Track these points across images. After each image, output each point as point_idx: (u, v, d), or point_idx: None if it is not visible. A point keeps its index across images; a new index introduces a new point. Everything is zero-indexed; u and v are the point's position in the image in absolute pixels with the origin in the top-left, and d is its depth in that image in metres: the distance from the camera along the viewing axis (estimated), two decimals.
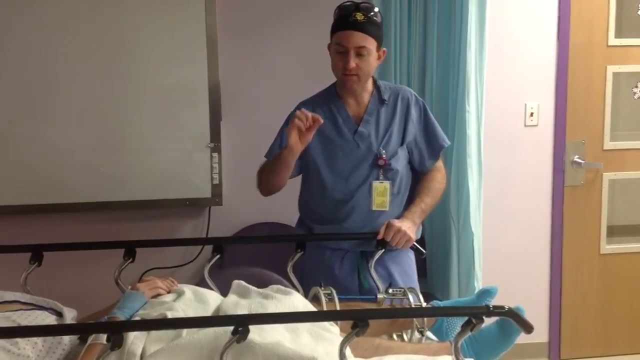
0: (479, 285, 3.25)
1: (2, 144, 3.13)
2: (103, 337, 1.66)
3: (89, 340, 1.71)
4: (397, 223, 2.35)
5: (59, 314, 1.97)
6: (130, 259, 2.29)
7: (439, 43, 3.34)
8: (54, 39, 3.12)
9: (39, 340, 1.75)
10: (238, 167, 3.29)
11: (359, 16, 2.27)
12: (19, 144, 3.14)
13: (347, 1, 2.35)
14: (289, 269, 2.34)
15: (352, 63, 2.30)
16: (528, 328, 1.74)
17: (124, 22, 3.17)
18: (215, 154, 3.29)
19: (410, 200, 2.50)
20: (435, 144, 2.51)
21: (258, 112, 3.35)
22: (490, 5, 3.28)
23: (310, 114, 2.22)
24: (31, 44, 3.11)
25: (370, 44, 2.30)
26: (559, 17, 3.57)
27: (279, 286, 2.10)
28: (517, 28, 3.56)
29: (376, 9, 2.34)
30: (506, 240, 3.63)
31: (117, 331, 1.60)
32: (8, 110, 3.12)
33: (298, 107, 2.49)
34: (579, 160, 3.65)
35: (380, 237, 2.35)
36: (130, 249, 2.30)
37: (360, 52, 2.30)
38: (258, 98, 3.39)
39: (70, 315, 1.97)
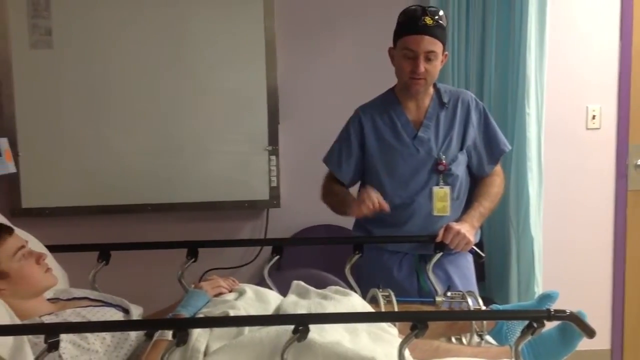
0: (539, 290, 3.20)
1: (72, 149, 3.23)
2: (168, 334, 1.69)
3: (155, 337, 1.75)
4: (456, 226, 2.34)
5: (126, 311, 2.02)
6: (193, 259, 2.35)
7: (498, 45, 3.31)
8: (115, 44, 3.21)
9: (107, 335, 1.81)
10: (295, 170, 3.32)
11: (428, 20, 2.27)
12: (87, 149, 3.24)
13: (413, 5, 2.35)
14: (347, 270, 2.36)
15: (422, 67, 2.30)
16: (590, 333, 1.72)
17: (183, 27, 3.24)
18: (273, 157, 3.33)
19: (468, 204, 2.49)
20: (495, 148, 2.49)
21: (315, 115, 3.38)
22: (550, 6, 3.24)
23: (377, 202, 2.25)
24: (93, 50, 3.21)
25: (438, 48, 2.30)
26: (622, 18, 3.50)
27: (338, 287, 2.12)
28: (578, 29, 3.50)
29: (441, 13, 2.33)
30: (567, 245, 3.56)
31: (182, 327, 1.65)
32: (75, 116, 3.22)
33: (357, 111, 2.52)
34: None
35: (438, 239, 2.35)
36: (193, 249, 2.36)
37: (429, 57, 2.30)
38: (315, 101, 3.42)
39: (136, 312, 2.03)
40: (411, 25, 2.30)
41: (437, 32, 2.29)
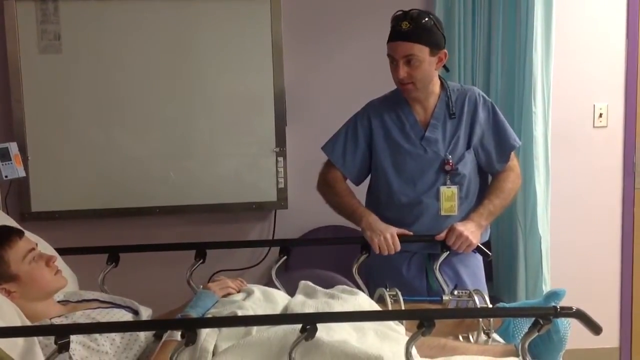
0: (546, 288, 3.20)
1: (81, 153, 3.25)
2: (177, 335, 1.70)
3: (164, 337, 1.77)
4: (459, 227, 2.34)
5: (136, 312, 2.04)
6: (201, 260, 2.37)
7: (504, 43, 3.31)
8: (123, 49, 3.24)
9: (116, 336, 1.82)
10: (303, 171, 3.32)
11: (405, 25, 2.27)
12: (95, 153, 3.26)
13: (400, 10, 2.34)
14: (354, 270, 2.38)
15: (402, 73, 2.30)
16: (596, 329, 1.72)
17: (191, 31, 3.26)
18: (281, 159, 3.35)
19: (479, 202, 2.47)
20: (505, 144, 2.46)
21: (322, 116, 3.38)
22: (556, 4, 3.23)
23: (393, 248, 2.35)
24: (101, 55, 3.23)
25: (419, 51, 2.28)
26: (628, 15, 3.49)
27: (345, 286, 2.13)
28: (585, 26, 3.49)
29: (427, 17, 2.30)
30: (575, 243, 3.55)
31: (191, 328, 1.66)
32: (84, 120, 3.25)
33: (366, 107, 2.53)
34: None
35: (439, 238, 2.36)
36: (201, 250, 2.38)
37: (409, 60, 2.29)
38: (322, 103, 3.43)
39: (146, 314, 2.04)
40: (391, 32, 2.32)
41: (415, 36, 2.27)
